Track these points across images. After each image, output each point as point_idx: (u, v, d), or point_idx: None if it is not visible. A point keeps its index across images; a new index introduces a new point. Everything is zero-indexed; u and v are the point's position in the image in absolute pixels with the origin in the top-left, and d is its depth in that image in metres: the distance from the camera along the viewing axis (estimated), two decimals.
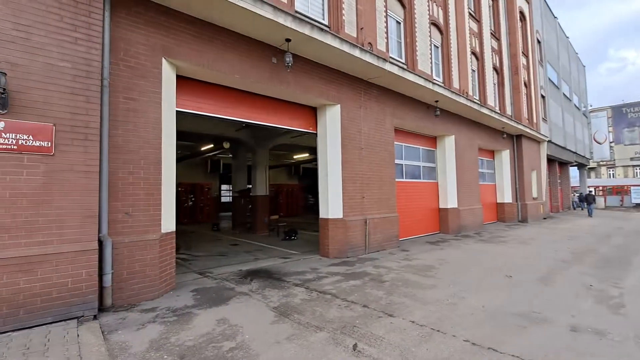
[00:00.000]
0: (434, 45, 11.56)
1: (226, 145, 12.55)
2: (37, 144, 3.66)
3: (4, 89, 3.44)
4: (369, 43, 8.05)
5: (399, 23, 10.05)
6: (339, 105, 7.52)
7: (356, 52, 6.87)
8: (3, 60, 3.50)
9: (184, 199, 17.79)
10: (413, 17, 10.13)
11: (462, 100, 10.59)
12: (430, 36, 10.99)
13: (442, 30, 11.73)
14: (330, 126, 7.48)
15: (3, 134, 3.50)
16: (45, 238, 3.64)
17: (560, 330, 3.60)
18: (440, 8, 11.70)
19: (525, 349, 3.15)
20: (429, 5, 10.98)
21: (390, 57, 9.24)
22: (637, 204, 33.26)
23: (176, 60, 5.02)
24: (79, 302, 3.73)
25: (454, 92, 10.43)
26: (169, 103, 5.01)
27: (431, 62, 11.01)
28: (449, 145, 11.45)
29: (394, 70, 7.84)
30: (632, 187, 36.99)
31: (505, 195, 15.34)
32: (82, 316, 3.72)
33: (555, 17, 25.81)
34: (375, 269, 6.37)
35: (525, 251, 8.26)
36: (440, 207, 11.37)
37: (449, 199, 11.22)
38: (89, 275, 3.83)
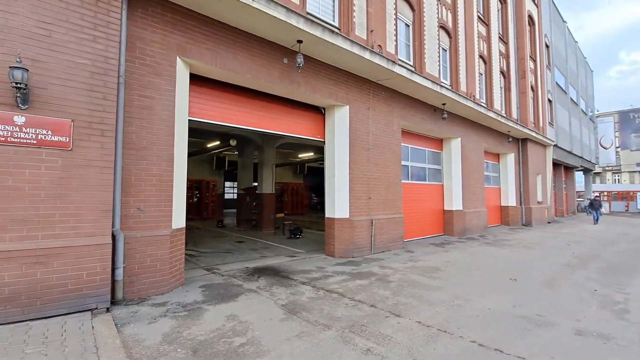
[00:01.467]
0: (442, 49, 11.58)
1: (233, 142, 12.64)
2: (56, 139, 3.75)
3: (26, 85, 3.53)
4: (379, 45, 8.09)
5: (408, 26, 10.09)
6: (347, 107, 7.57)
7: (366, 55, 6.92)
8: (25, 56, 3.59)
9: (190, 195, 17.92)
10: (422, 20, 10.16)
11: (469, 103, 10.60)
12: (438, 39, 11.01)
13: (451, 33, 11.75)
14: (339, 127, 7.54)
15: (24, 129, 3.59)
16: (62, 231, 3.73)
17: (565, 333, 3.64)
18: (449, 11, 11.72)
19: (530, 351, 3.20)
20: (438, 9, 11.00)
21: (399, 60, 9.28)
22: None
23: (190, 59, 5.09)
24: (93, 295, 3.82)
25: (461, 95, 10.45)
26: (182, 101, 5.09)
27: (439, 65, 11.03)
28: (455, 147, 11.47)
29: (403, 72, 7.88)
30: (638, 193, 36.73)
31: (510, 198, 15.33)
32: (96, 308, 3.81)
33: (564, 21, 25.68)
34: (381, 269, 6.43)
35: (530, 255, 8.28)
36: (445, 209, 11.39)
37: (454, 201, 11.24)
38: (103, 268, 3.92)
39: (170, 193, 4.81)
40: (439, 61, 11.03)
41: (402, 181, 9.21)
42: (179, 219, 4.99)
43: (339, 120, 7.56)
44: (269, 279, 5.60)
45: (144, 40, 4.63)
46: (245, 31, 5.74)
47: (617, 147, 56.68)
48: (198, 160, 19.01)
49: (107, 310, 3.89)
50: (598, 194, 28.85)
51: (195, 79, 5.64)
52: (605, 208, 28.49)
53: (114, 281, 4.15)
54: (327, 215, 7.56)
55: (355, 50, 6.69)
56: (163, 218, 4.71)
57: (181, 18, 5.01)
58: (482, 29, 13.99)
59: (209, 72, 5.59)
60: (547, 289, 5.30)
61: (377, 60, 7.17)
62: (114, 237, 4.14)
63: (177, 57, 4.95)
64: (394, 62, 7.60)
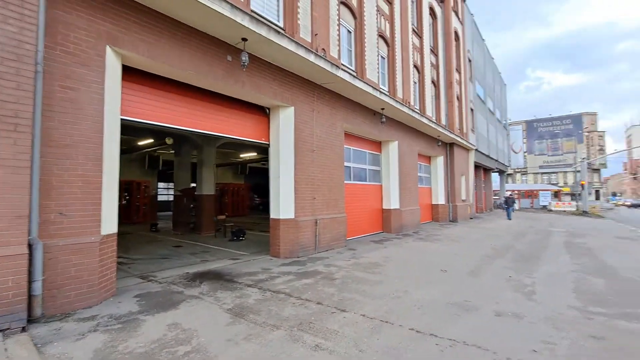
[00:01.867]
0: (381, 57, 12.26)
1: (169, 141, 11.86)
2: None
3: None
4: (323, 49, 8.29)
5: (350, 32, 10.49)
6: (292, 108, 7.62)
7: (311, 57, 7.04)
8: None
9: (118, 197, 16.34)
10: (363, 28, 10.65)
11: (404, 109, 11.39)
12: (377, 47, 11.65)
13: (389, 42, 12.50)
14: (284, 128, 7.55)
15: None
16: None
17: (488, 315, 4.14)
18: (387, 22, 12.45)
19: (460, 333, 3.58)
20: (377, 18, 11.63)
21: (342, 64, 9.61)
22: (544, 206, 38.65)
23: (122, 50, 4.68)
24: (5, 313, 3.31)
25: (398, 101, 11.19)
26: (114, 95, 4.66)
27: (378, 72, 11.66)
28: (392, 150, 12.23)
29: (346, 77, 8.18)
30: (540, 192, 42.91)
31: (440, 197, 16.82)
32: (8, 329, 3.31)
33: (483, 39, 28.93)
34: (326, 267, 6.60)
35: (456, 248, 9.19)
36: (383, 207, 12.07)
37: (392, 201, 11.98)
38: (16, 282, 3.42)
39: (98, 196, 4.37)
40: (378, 68, 11.66)
41: (345, 182, 9.55)
42: (109, 225, 4.56)
43: (284, 121, 7.57)
44: (212, 283, 5.40)
45: (68, 25, 4.14)
46: (186, 24, 5.46)
47: (524, 152, 65.64)
48: (127, 159, 17.44)
49: (23, 329, 3.40)
50: (511, 193, 32.98)
51: (131, 73, 5.20)
52: (516, 205, 32.68)
53: (30, 296, 3.63)
54: (272, 216, 7.53)
55: (301, 52, 6.78)
56: (90, 223, 4.26)
57: (112, 5, 4.58)
58: (416, 41, 15.13)
59: (147, 65, 5.20)
60: (472, 278, 5.96)
61: (321, 63, 7.34)
62: (30, 246, 3.63)
63: (107, 47, 4.51)
64: (337, 66, 7.86)
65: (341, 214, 9.04)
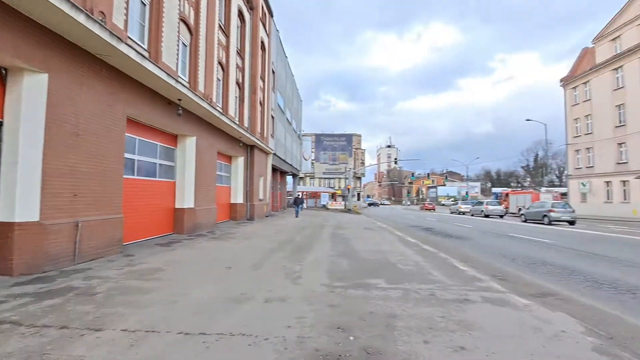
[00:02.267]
0: (183, 43, 11.43)
1: None
2: None
3: None
4: (102, 12, 6.81)
5: (145, 5, 9.20)
6: (46, 75, 5.80)
7: (81, 18, 5.60)
8: None
9: None
10: (161, 5, 9.57)
11: (205, 105, 11.04)
12: (179, 32, 10.77)
13: (192, 30, 11.81)
14: (29, 99, 5.63)
15: None
16: None
17: (258, 303, 4.49)
18: (192, 8, 11.73)
19: (229, 326, 3.68)
20: (180, 0, 10.75)
21: (129, 38, 8.25)
22: (323, 205, 47.09)
23: None
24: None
25: (198, 95, 10.71)
26: None
27: (177, 59, 10.79)
28: (190, 145, 11.58)
29: (132, 54, 7.03)
30: (322, 193, 52.05)
31: (238, 196, 17.38)
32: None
33: (286, 56, 32.35)
34: (85, 281, 5.36)
35: (247, 244, 9.69)
36: (176, 207, 11.21)
37: (186, 199, 11.31)
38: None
39: None
40: (177, 55, 10.78)
41: (125, 176, 8.19)
42: None
43: (31, 91, 5.65)
44: None
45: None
46: None
47: (312, 160, 77.96)
48: None
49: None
50: (300, 194, 38.32)
51: None
52: (304, 204, 38.23)
53: None
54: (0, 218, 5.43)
55: (65, 7, 5.27)
56: None
57: None
58: (223, 38, 15.05)
59: None
60: (254, 271, 6.38)
61: (96, 29, 5.97)
62: None
63: None
64: (120, 38, 6.63)
65: (117, 214, 7.65)
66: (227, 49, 15.52)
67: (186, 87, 9.84)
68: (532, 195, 35.88)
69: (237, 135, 15.90)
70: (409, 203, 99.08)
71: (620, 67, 31.07)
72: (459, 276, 6.19)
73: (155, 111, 9.31)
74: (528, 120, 39.73)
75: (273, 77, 25.64)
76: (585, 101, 35.33)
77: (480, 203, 35.40)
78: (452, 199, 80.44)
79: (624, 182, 30.49)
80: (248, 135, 16.37)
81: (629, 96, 29.99)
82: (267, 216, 21.70)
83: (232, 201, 17.34)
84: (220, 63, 14.66)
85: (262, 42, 21.50)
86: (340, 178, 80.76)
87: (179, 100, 10.05)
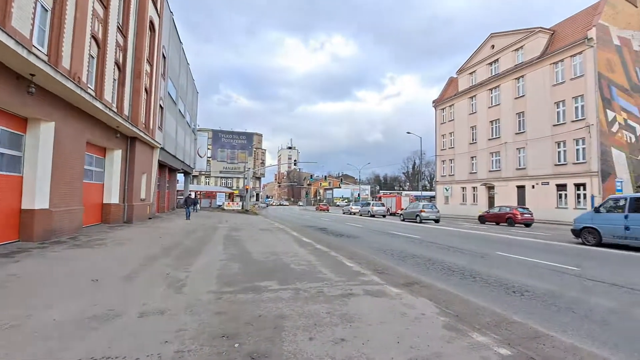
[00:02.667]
0: (43, 7, 9.31)
1: None
2: None
3: None
4: None
5: None
6: None
7: None
8: None
9: None
10: None
11: (71, 85, 9.19)
12: None
13: None
14: None
15: None
16: None
17: (130, 319, 3.90)
18: None
19: (90, 349, 3.08)
20: None
21: None
22: (219, 205, 44.81)
23: None
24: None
25: (61, 72, 8.83)
26: None
27: (33, 25, 8.74)
28: (46, 132, 9.45)
29: None
30: (217, 193, 49.45)
31: (113, 195, 14.98)
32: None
33: (181, 42, 29.65)
34: None
35: (122, 252, 8.42)
36: (23, 208, 8.97)
37: (38, 198, 9.17)
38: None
39: None
40: (33, 19, 8.73)
41: None
42: None
43: None
44: None
45: None
46: None
47: (208, 157, 73.57)
48: None
49: None
50: (190, 193, 35.53)
51: None
52: (198, 205, 35.58)
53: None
54: None
55: None
56: None
57: None
58: (100, 9, 12.83)
59: None
60: (126, 282, 5.55)
61: None
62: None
63: None
64: None
65: None
66: (105, 22, 13.27)
67: (44, 60, 7.99)
68: (396, 199, 42.18)
69: (114, 124, 13.73)
70: (301, 204, 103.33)
71: (475, 96, 38.78)
72: (346, 272, 6.64)
73: None
74: (408, 133, 45.98)
75: (164, 63, 23.14)
76: (450, 121, 42.83)
77: (368, 204, 39.26)
78: (346, 201, 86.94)
79: (474, 187, 38.08)
80: (128, 125, 14.30)
81: (479, 119, 37.69)
82: (150, 218, 19.36)
83: (105, 201, 14.82)
84: (94, 37, 12.43)
85: (152, 22, 19.18)
86: (239, 178, 78.35)
87: (32, 75, 8.11)
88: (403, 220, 28.14)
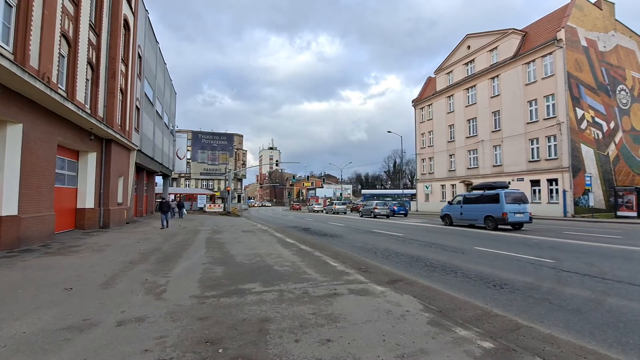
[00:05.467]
0: (7, 2, 8.84)
1: None
2: None
3: None
4: None
5: None
6: None
7: None
8: None
9: None
10: None
11: (39, 85, 8.75)
12: None
13: None
14: None
15: None
16: None
17: (107, 328, 3.74)
18: None
19: None
20: None
21: None
22: (200, 207, 43.91)
23: None
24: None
25: (28, 72, 8.39)
26: None
27: None
28: (13, 135, 8.97)
29: None
30: (198, 195, 48.42)
31: (88, 200, 14.38)
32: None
33: (157, 42, 28.85)
34: None
35: (98, 258, 8.09)
36: None
37: (5, 205, 8.68)
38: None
39: None
40: None
41: None
42: None
43: None
44: None
45: None
46: None
47: (188, 159, 72.05)
48: None
49: None
50: (171, 196, 34.56)
51: None
52: (184, 209, 34.51)
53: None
54: None
55: None
56: None
57: None
58: (70, 6, 12.29)
59: None
60: (103, 290, 5.33)
61: None
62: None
63: None
64: None
65: None
66: (75, 20, 12.72)
67: (9, 59, 7.57)
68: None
69: (88, 126, 13.18)
70: (287, 207, 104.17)
71: (452, 95, 39.72)
72: (330, 272, 6.63)
73: None
74: (389, 132, 46.56)
75: (140, 63, 22.44)
76: (428, 120, 43.68)
77: (332, 204, 45.39)
78: (329, 200, 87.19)
79: (453, 185, 38.98)
80: (103, 127, 13.76)
81: (457, 118, 38.64)
82: (127, 223, 18.72)
83: (79, 206, 14.20)
84: (65, 36, 11.89)
85: (126, 20, 18.55)
86: (220, 179, 77.10)
87: None
88: (362, 216, 33.38)
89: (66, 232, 12.86)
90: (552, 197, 28.13)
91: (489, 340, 3.43)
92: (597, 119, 29.45)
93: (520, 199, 16.35)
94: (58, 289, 5.34)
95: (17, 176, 9.08)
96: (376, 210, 30.99)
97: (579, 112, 28.17)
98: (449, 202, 20.40)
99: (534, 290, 5.69)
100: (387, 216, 30.90)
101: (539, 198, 29.03)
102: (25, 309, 4.35)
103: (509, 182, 31.27)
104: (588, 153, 28.28)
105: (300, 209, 65.01)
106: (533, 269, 7.33)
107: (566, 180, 26.87)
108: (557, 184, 27.69)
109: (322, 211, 50.38)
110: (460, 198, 19.07)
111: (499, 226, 16.08)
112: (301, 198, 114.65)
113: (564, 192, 26.68)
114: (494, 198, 16.50)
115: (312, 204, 59.82)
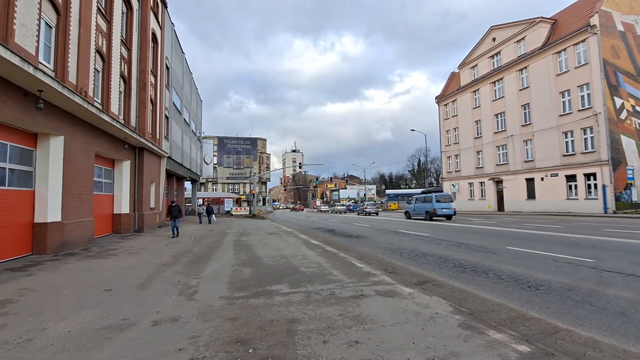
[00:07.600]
0: (47, 24, 9.49)
1: None
2: None
3: None
4: None
5: None
6: None
7: None
8: None
9: None
10: None
11: (77, 99, 9.35)
12: (40, 9, 8.90)
13: (60, 9, 9.90)
14: None
15: None
16: None
17: (144, 328, 3.93)
18: None
19: (105, 358, 3.12)
20: None
21: None
22: (227, 211, 45.03)
23: None
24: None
25: (68, 87, 8.99)
26: None
27: (38, 42, 8.90)
28: (56, 147, 9.62)
29: None
30: (226, 199, 49.71)
31: (123, 206, 15.17)
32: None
33: (183, 52, 29.98)
34: None
35: (133, 261, 8.50)
36: (35, 221, 9.14)
37: (50, 212, 9.32)
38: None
39: None
40: (38, 37, 8.89)
41: None
42: None
43: None
44: None
45: None
46: None
47: (215, 164, 74.10)
48: None
49: None
50: (201, 200, 35.71)
51: None
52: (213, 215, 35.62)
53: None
54: None
55: None
56: None
57: None
58: (103, 24, 13.05)
59: None
60: (139, 291, 5.60)
61: None
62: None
63: None
64: None
65: None
66: (108, 37, 13.49)
67: (50, 76, 8.14)
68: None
69: (122, 135, 13.91)
70: (281, 206, 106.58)
71: (477, 89, 38.46)
72: (356, 273, 6.61)
73: (4, 103, 7.44)
74: (412, 130, 45.69)
75: (167, 74, 23.40)
76: (453, 116, 42.52)
77: (334, 206, 50.91)
78: (352, 201, 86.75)
79: (481, 182, 37.68)
80: (135, 136, 14.48)
81: (484, 113, 37.35)
82: (159, 227, 19.54)
83: (115, 211, 15.01)
84: (99, 52, 12.64)
85: (154, 34, 19.43)
86: (245, 183, 78.66)
87: (40, 91, 8.27)
88: (358, 214, 40.46)
89: (104, 237, 13.61)
90: (590, 192, 26.52)
91: (525, 344, 3.30)
92: (638, 108, 27.50)
93: (447, 199, 24.08)
94: (98, 290, 5.67)
95: (60, 185, 9.73)
96: (367, 209, 38.20)
97: (618, 102, 26.42)
98: (407, 202, 29.27)
99: (572, 291, 5.39)
100: (376, 213, 37.63)
101: (576, 194, 27.44)
102: (70, 309, 4.65)
103: (542, 179, 29.89)
104: (629, 144, 26.45)
105: (302, 210, 79.51)
106: (571, 269, 6.95)
107: (605, 174, 25.25)
108: (595, 179, 26.08)
109: (327, 211, 59.46)
110: (414, 200, 27.03)
111: (433, 218, 23.75)
112: (325, 200, 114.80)
113: (604, 186, 25.08)
114: (429, 199, 24.22)
115: (319, 206, 70.80)
